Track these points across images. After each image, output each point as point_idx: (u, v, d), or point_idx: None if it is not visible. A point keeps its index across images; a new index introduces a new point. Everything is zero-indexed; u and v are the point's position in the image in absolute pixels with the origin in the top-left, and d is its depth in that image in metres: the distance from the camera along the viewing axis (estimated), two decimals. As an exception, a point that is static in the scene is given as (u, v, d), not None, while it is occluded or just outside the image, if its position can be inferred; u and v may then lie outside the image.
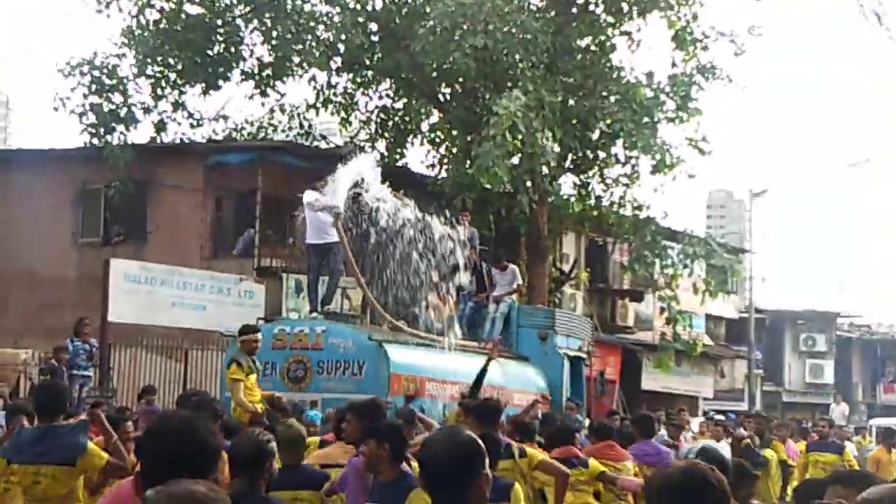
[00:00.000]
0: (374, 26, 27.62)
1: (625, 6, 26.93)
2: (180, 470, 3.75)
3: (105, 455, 8.31)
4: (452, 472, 4.20)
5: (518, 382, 19.19)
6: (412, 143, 29.79)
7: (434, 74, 26.02)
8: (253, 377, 13.55)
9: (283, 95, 29.56)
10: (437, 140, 28.89)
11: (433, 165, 28.59)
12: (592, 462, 11.50)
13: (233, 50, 28.03)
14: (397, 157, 29.19)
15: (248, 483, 6.39)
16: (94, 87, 26.85)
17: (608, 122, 26.24)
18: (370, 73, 28.70)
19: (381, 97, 29.70)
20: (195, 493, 3.31)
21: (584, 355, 22.01)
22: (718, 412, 29.27)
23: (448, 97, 27.48)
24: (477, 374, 15.04)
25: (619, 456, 12.31)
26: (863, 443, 24.05)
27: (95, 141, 26.66)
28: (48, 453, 8.11)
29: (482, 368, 15.12)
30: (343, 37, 26.77)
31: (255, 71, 28.53)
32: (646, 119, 25.98)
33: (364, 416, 9.16)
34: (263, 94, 28.96)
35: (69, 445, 8.19)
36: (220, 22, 27.71)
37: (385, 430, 7.96)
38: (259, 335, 13.91)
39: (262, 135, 29.84)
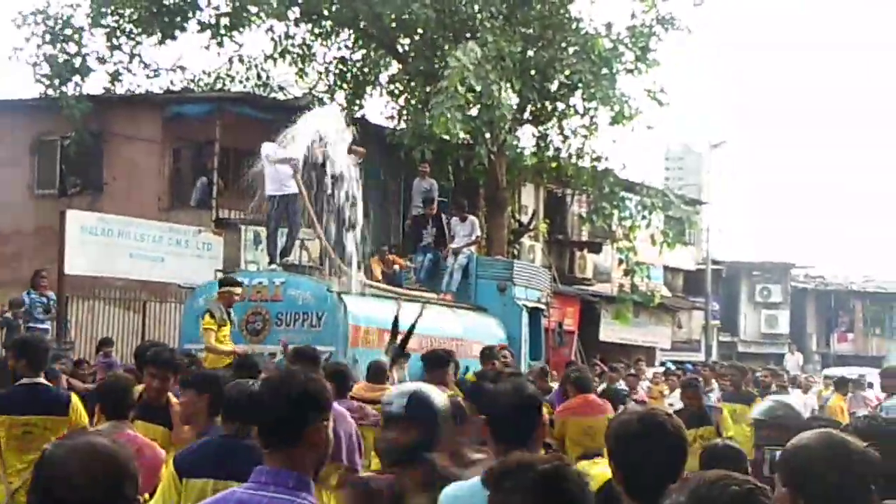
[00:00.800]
0: (332, -24, 27.39)
1: (583, -43, 26.87)
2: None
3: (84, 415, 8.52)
4: (285, 419, 4.03)
5: (477, 334, 19.21)
6: (371, 95, 29.68)
7: (393, 25, 25.88)
8: (226, 329, 13.72)
9: (240, 46, 29.38)
10: (396, 91, 28.79)
11: (392, 117, 28.49)
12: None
13: (189, -1, 27.76)
14: (356, 108, 29.03)
15: (239, 429, 6.44)
16: (48, 36, 26.61)
17: (567, 73, 26.20)
18: (328, 23, 28.47)
19: (339, 48, 29.55)
20: (96, 444, 3.20)
21: (543, 306, 22.07)
22: (676, 363, 29.50)
23: (407, 48, 27.33)
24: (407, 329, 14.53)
25: (597, 409, 11.55)
26: (823, 392, 24.17)
27: (50, 92, 26.43)
28: (37, 405, 8.42)
29: (412, 325, 14.63)
30: (301, -14, 26.57)
31: (212, 21, 28.27)
32: (605, 70, 25.97)
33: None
34: (220, 44, 28.70)
35: (58, 396, 8.66)
36: (175, -29, 27.41)
37: (205, 379, 7.80)
38: (238, 289, 14.32)
39: (219, 86, 29.61)
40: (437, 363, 10.56)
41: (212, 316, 13.63)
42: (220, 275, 18.94)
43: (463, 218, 21.84)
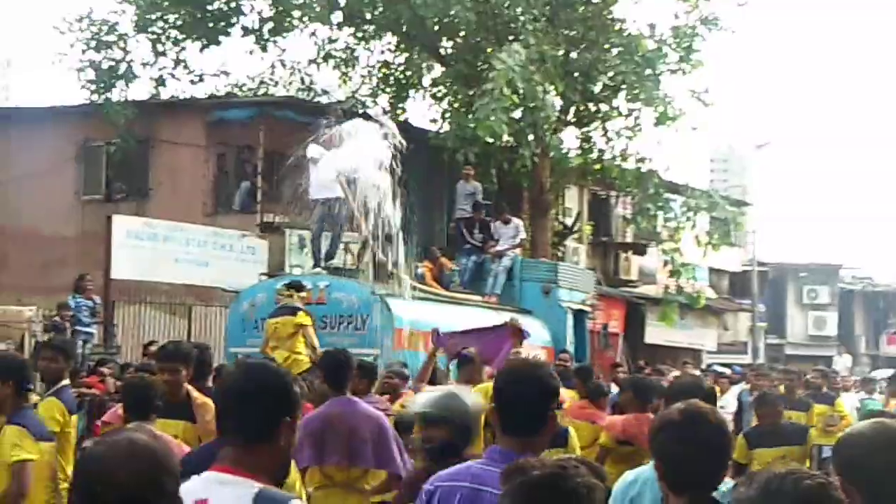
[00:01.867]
0: (374, -21, 27.45)
1: (627, -42, 26.79)
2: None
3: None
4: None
5: (522, 336, 19.18)
6: (414, 98, 29.71)
7: (435, 28, 25.92)
8: None
9: (283, 51, 29.52)
10: (439, 94, 28.79)
11: (435, 120, 28.49)
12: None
13: (233, 4, 27.90)
14: (399, 111, 29.08)
15: None
16: (92, 42, 26.82)
17: (610, 74, 26.17)
18: (371, 27, 28.54)
19: (382, 52, 29.62)
20: (136, 440, 3.18)
21: (588, 309, 22.05)
22: (722, 365, 29.33)
23: (449, 51, 27.36)
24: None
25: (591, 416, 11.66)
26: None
27: (95, 97, 26.65)
28: None
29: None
30: (344, -10, 26.65)
31: (256, 26, 28.39)
32: (648, 71, 25.91)
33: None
34: (264, 49, 28.83)
35: None
36: (220, -24, 27.56)
37: (9, 367, 7.72)
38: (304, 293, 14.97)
39: (262, 90, 29.73)
40: (464, 362, 11.24)
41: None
42: (263, 278, 19.07)
43: (506, 220, 21.86)
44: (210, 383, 9.34)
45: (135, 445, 3.14)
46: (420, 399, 6.78)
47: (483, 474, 4.31)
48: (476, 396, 6.72)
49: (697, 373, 25.89)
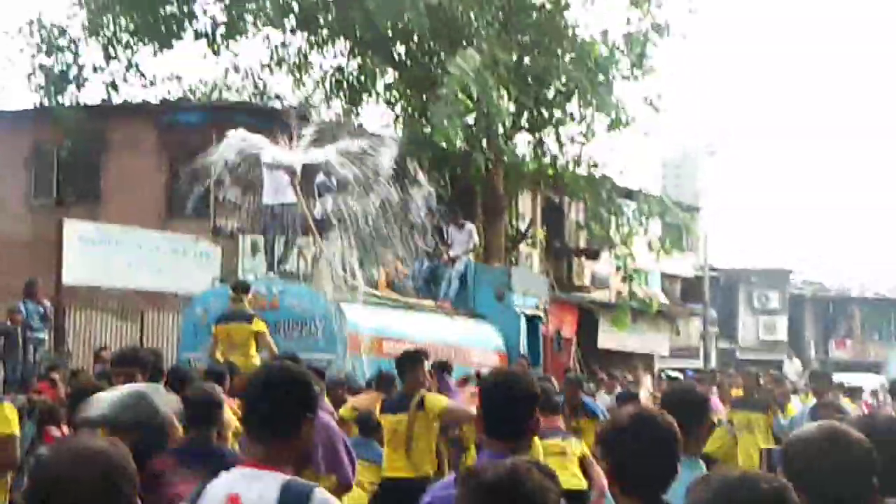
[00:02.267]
0: (328, -16, 27.40)
1: (579, -37, 26.88)
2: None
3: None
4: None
5: (475, 341, 19.26)
6: (367, 103, 29.67)
7: (389, 33, 25.88)
8: None
9: (236, 55, 29.36)
10: (393, 100, 28.78)
11: (389, 125, 28.48)
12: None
13: (185, 8, 27.76)
14: (353, 116, 29.04)
15: (202, 431, 6.47)
16: (43, 47, 26.63)
17: (563, 80, 26.24)
18: (325, 32, 28.46)
19: (335, 56, 29.54)
20: (90, 445, 3.21)
21: (541, 314, 22.10)
22: (675, 369, 29.50)
23: (403, 56, 27.35)
24: None
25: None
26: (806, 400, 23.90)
27: (46, 101, 26.46)
28: None
29: None
30: (297, -5, 26.59)
31: (209, 30, 28.26)
32: (601, 77, 26.05)
33: None
34: (217, 53, 28.68)
35: None
36: (172, -20, 27.43)
37: None
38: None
39: (216, 95, 29.65)
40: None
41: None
42: (217, 284, 19.00)
43: (460, 225, 21.86)
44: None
45: (89, 451, 3.15)
46: (101, 401, 6.53)
47: None
48: (171, 397, 6.74)
49: (648, 378, 26.07)
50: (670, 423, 4.16)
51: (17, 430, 7.60)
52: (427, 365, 10.95)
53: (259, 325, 14.23)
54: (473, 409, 9.75)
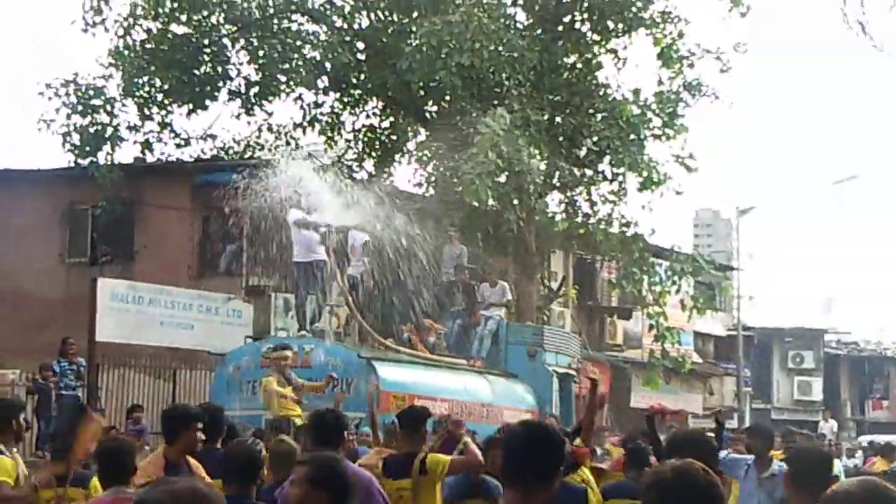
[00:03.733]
0: (360, 45, 27.63)
1: (610, 24, 27.00)
2: None
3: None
4: None
5: (507, 399, 19.24)
6: (399, 162, 29.83)
7: (421, 93, 26.08)
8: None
9: (269, 115, 29.55)
10: (425, 158, 28.87)
11: (420, 184, 28.58)
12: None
13: (219, 69, 28.04)
14: (384, 175, 29.18)
15: (240, 488, 6.49)
16: (78, 107, 26.86)
17: (595, 139, 26.32)
18: (357, 91, 28.69)
19: (367, 116, 29.73)
20: (196, 489, 3.27)
21: (574, 372, 22.05)
22: (709, 429, 29.29)
23: (435, 115, 27.49)
24: None
25: None
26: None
27: (81, 161, 26.66)
28: None
29: None
30: (330, 55, 26.82)
31: (242, 90, 28.53)
32: (632, 136, 26.09)
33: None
34: (250, 112, 28.93)
35: None
36: (206, 41, 27.73)
37: None
38: (289, 353, 14.78)
39: (249, 154, 29.83)
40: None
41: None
42: (249, 341, 19.09)
43: (493, 283, 21.89)
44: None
45: (198, 491, 3.27)
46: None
47: None
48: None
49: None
50: (712, 479, 4.17)
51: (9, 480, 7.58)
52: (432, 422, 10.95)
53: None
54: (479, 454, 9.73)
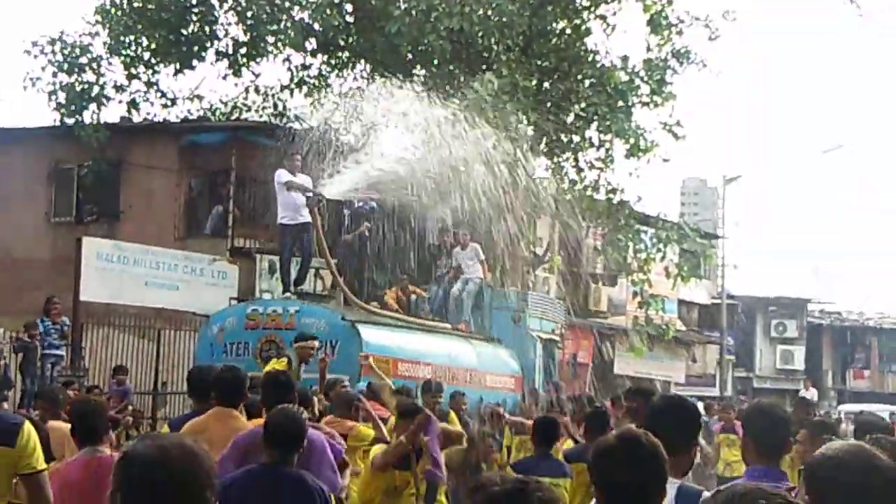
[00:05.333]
0: (349, 7, 27.52)
1: (600, -11, 26.97)
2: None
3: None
4: None
5: (491, 364, 19.27)
6: (386, 126, 29.72)
7: (409, 56, 26.00)
8: None
9: (257, 76, 29.44)
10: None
11: (407, 148, 28.52)
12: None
13: (207, 29, 27.93)
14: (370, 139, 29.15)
15: (282, 456, 6.48)
16: (64, 65, 26.77)
17: (583, 105, 26.32)
18: (345, 54, 28.60)
19: (355, 79, 29.64)
20: (184, 444, 3.28)
21: (557, 338, 22.10)
22: (691, 397, 29.45)
23: (423, 79, 27.42)
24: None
25: None
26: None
27: (67, 120, 26.59)
28: None
29: None
30: (318, 17, 26.72)
31: (230, 51, 28.41)
32: (620, 103, 26.10)
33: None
34: (237, 74, 28.82)
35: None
36: (194, 1, 27.60)
37: None
38: (314, 342, 13.36)
39: (235, 115, 29.73)
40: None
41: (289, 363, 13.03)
42: (234, 303, 19.08)
43: (465, 245, 21.81)
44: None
45: (186, 446, 3.27)
46: None
47: None
48: None
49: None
50: (655, 444, 4.28)
51: None
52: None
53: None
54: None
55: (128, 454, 3.33)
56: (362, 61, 28.62)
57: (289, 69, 29.09)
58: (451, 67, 25.90)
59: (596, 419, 10.96)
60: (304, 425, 6.83)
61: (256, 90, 29.83)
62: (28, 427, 6.27)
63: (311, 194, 17.52)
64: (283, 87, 29.69)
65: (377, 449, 9.88)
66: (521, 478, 3.23)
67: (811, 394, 43.99)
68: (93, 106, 26.98)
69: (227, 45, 28.40)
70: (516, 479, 3.22)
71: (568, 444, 11.11)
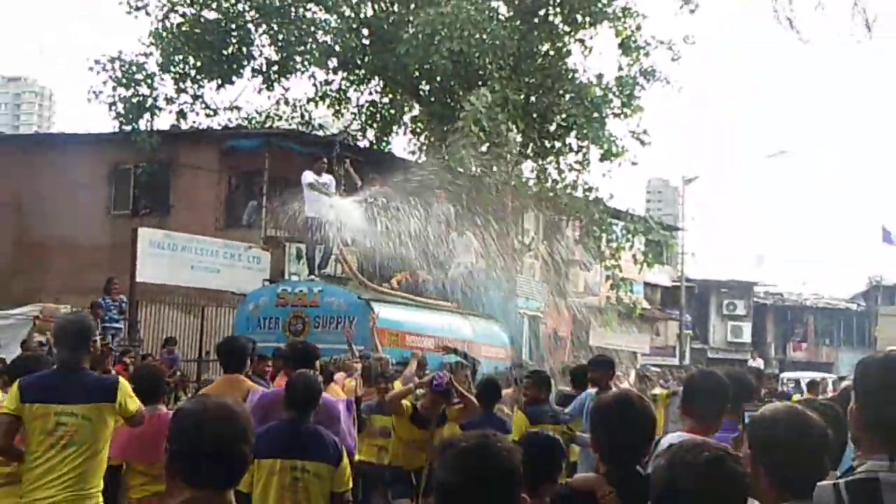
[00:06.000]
0: (365, 31, 27.51)
1: (579, 17, 26.96)
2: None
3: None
4: None
5: (485, 337, 19.30)
6: (396, 133, 29.74)
7: (416, 73, 25.95)
8: None
9: (287, 90, 29.44)
10: (418, 130, 28.83)
11: (414, 152, 28.54)
12: None
13: (244, 50, 27.89)
14: (384, 144, 29.13)
15: (300, 414, 6.50)
16: (123, 80, 26.77)
17: (563, 116, 26.27)
18: (362, 71, 28.57)
19: (370, 93, 29.64)
20: (225, 404, 3.31)
21: (541, 315, 22.10)
22: (654, 366, 29.44)
23: (428, 93, 27.40)
24: None
25: None
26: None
27: (125, 127, 26.58)
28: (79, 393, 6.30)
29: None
30: (339, 40, 26.72)
31: (263, 68, 28.39)
32: (596, 114, 26.05)
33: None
34: (270, 88, 28.82)
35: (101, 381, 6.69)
36: (233, 26, 27.56)
37: None
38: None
39: (268, 123, 29.69)
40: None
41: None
42: (267, 284, 19.08)
43: (461, 234, 21.75)
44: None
45: (227, 406, 3.32)
46: None
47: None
48: None
49: (633, 372, 25.99)
50: (647, 406, 4.32)
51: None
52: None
53: None
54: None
55: (180, 411, 3.42)
56: (376, 77, 28.60)
57: (314, 84, 29.15)
58: (452, 83, 25.87)
59: (488, 389, 10.54)
60: (320, 388, 6.85)
61: (286, 102, 29.84)
62: (122, 381, 6.66)
63: (330, 193, 17.63)
64: (309, 100, 29.69)
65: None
66: (484, 431, 3.18)
67: (758, 363, 44.05)
68: (147, 115, 26.96)
69: (262, 63, 28.39)
70: (480, 434, 3.14)
71: (518, 414, 10.73)
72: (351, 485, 6.62)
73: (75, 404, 6.21)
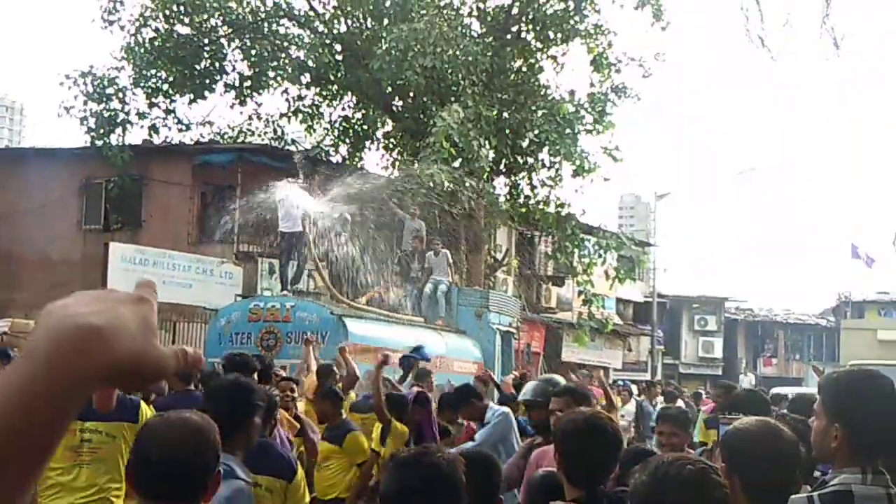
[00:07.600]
0: (338, 47, 27.52)
1: (551, 34, 27.05)
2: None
3: None
4: None
5: (457, 352, 19.26)
6: (369, 148, 29.74)
7: (389, 89, 25.96)
8: None
9: (259, 105, 29.47)
10: (391, 146, 28.85)
11: (387, 167, 28.55)
12: None
13: (217, 65, 27.89)
14: (356, 159, 29.11)
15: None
16: (94, 94, 26.66)
17: (536, 132, 26.30)
18: (335, 87, 28.58)
19: (343, 108, 29.65)
20: (190, 419, 3.27)
21: (514, 330, 22.09)
22: (626, 380, 29.51)
23: (400, 109, 27.42)
24: None
25: None
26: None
27: (97, 142, 26.47)
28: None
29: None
30: (312, 56, 26.74)
31: (236, 83, 28.36)
32: (568, 130, 26.09)
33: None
34: (243, 103, 28.77)
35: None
36: (206, 41, 27.54)
37: None
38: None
39: (241, 139, 29.64)
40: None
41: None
42: (239, 299, 19.00)
43: (437, 252, 21.78)
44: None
45: (190, 422, 3.26)
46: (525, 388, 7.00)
47: None
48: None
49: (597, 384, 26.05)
50: (616, 430, 4.36)
51: None
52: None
53: None
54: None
55: (145, 424, 3.50)
56: (349, 93, 28.61)
57: (286, 99, 29.16)
58: (425, 99, 25.89)
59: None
60: (274, 402, 6.90)
61: (259, 117, 29.80)
62: (143, 404, 6.60)
63: (301, 208, 17.58)
64: (281, 115, 29.68)
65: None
66: (424, 445, 3.28)
67: (749, 378, 44.29)
68: (118, 130, 26.87)
69: (234, 78, 28.37)
70: (422, 446, 3.29)
71: None
72: (308, 500, 6.50)
73: (101, 421, 6.21)
